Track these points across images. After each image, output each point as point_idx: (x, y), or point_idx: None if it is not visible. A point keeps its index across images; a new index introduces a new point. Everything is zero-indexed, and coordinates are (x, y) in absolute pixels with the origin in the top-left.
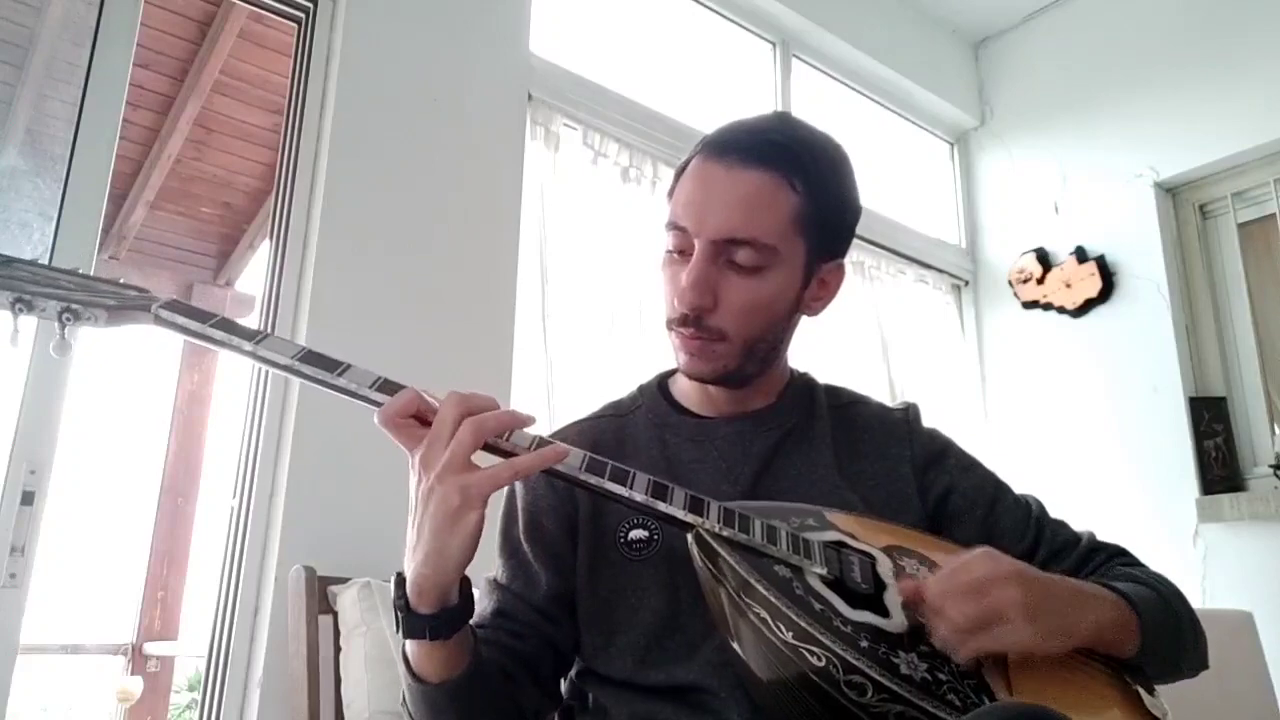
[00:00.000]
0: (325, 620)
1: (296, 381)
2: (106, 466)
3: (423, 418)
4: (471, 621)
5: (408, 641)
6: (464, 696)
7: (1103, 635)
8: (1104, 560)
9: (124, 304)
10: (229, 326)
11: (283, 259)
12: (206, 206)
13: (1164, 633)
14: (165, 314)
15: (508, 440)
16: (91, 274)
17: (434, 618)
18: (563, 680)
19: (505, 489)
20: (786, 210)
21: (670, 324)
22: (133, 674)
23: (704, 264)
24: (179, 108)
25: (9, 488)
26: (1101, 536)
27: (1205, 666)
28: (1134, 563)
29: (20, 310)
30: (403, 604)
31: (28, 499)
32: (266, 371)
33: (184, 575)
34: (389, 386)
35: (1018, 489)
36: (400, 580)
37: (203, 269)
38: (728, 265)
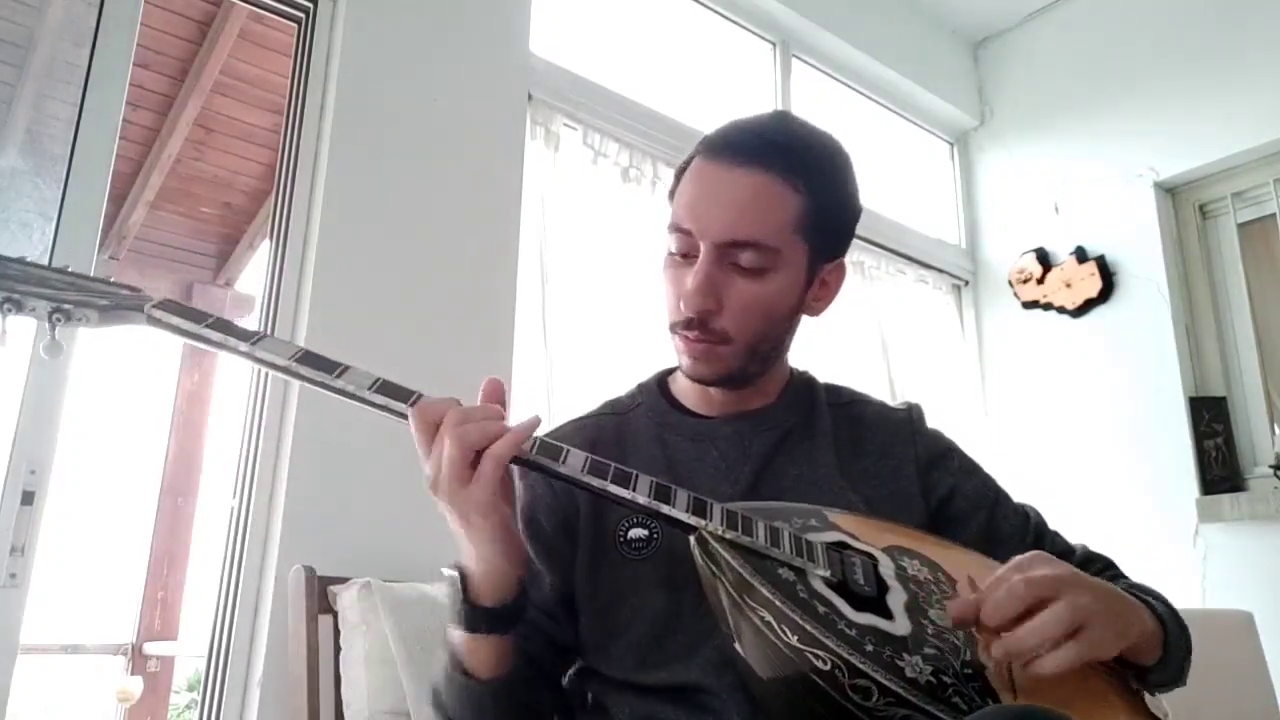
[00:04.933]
0: (325, 620)
1: (296, 380)
2: (106, 466)
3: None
4: None
5: (462, 635)
6: (506, 697)
7: (1141, 642)
8: (1099, 571)
9: (116, 304)
10: (225, 327)
11: (283, 259)
12: (206, 206)
13: (1178, 647)
14: (158, 314)
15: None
16: (82, 272)
17: (493, 611)
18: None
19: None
20: (790, 212)
21: (674, 327)
22: (133, 674)
23: (709, 267)
24: (179, 108)
25: (9, 488)
26: (1102, 536)
27: (1184, 684)
28: (1122, 575)
29: (9, 310)
30: (462, 597)
31: (28, 499)
32: (266, 371)
33: (184, 575)
34: (388, 388)
35: (1018, 491)
36: (462, 573)
37: (203, 269)
38: (731, 268)
